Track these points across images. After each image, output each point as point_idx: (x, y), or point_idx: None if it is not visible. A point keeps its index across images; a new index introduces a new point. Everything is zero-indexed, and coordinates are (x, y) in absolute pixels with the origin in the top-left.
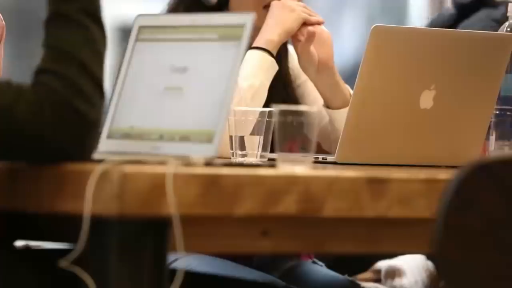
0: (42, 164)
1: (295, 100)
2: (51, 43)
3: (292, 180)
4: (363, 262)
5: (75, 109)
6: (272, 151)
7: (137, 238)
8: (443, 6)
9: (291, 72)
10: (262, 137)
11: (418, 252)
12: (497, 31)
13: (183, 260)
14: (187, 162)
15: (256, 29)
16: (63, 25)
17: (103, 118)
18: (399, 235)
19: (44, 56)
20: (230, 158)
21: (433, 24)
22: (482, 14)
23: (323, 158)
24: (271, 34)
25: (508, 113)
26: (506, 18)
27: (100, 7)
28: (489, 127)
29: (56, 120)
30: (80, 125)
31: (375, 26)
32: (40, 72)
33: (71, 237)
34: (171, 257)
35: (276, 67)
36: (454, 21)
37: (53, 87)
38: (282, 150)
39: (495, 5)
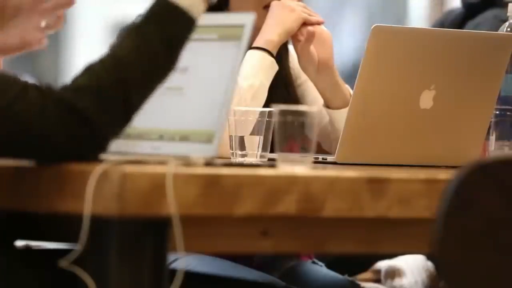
0: (43, 163)
1: (296, 100)
2: (113, 48)
3: (292, 180)
4: (363, 262)
5: (82, 114)
6: (272, 151)
7: (137, 238)
8: (443, 6)
9: (291, 72)
10: (262, 137)
11: (418, 252)
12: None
13: (183, 260)
14: (187, 162)
15: (256, 29)
16: (136, 42)
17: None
18: (399, 235)
19: (101, 55)
20: (230, 158)
21: (442, 22)
22: (490, 14)
23: (323, 158)
24: (271, 34)
25: (508, 113)
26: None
27: (185, 40)
28: (489, 127)
29: (57, 121)
30: (86, 133)
31: (375, 26)
32: (85, 67)
33: (71, 237)
34: (171, 257)
35: (276, 67)
36: (462, 20)
37: (79, 87)
38: (282, 150)
39: (503, 5)
